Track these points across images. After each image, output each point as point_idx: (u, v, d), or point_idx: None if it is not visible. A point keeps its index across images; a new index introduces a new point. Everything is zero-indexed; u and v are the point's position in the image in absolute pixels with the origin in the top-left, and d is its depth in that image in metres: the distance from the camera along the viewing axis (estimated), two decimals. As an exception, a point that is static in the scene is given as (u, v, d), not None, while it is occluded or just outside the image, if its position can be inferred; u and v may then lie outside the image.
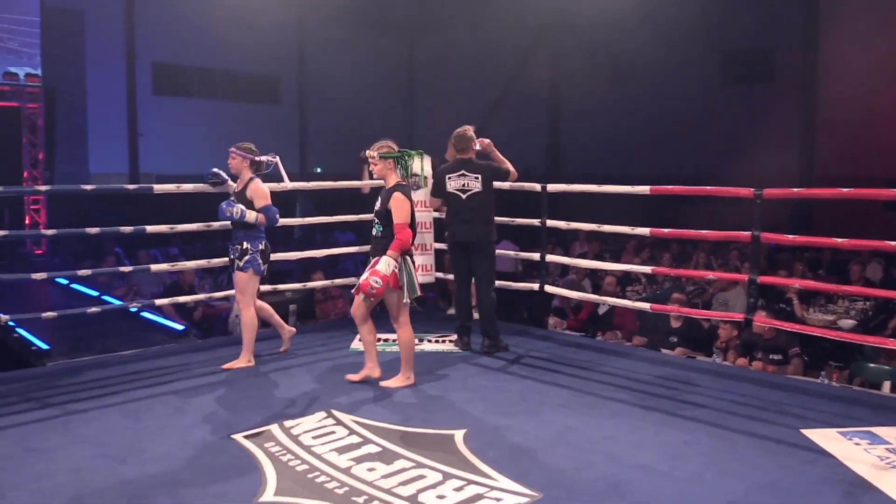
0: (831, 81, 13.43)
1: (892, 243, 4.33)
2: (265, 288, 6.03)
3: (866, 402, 4.47)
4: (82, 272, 5.51)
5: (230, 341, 6.03)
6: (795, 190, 5.03)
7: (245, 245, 4.93)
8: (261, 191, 5.02)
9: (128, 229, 5.21)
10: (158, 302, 6.14)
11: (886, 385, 5.41)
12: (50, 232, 5.59)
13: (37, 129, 13.79)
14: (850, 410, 4.19)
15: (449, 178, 5.57)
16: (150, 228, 5.33)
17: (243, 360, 4.97)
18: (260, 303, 5.17)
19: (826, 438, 3.73)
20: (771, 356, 5.81)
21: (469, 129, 5.63)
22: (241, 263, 4.94)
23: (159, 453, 3.50)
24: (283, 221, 6.22)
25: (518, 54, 17.33)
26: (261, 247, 4.98)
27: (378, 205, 4.56)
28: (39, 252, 13.82)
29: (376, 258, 4.44)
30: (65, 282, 9.48)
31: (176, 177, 14.35)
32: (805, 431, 3.83)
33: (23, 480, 3.21)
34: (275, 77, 19.43)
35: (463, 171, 5.54)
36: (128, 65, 16.31)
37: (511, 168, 5.59)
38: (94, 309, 5.41)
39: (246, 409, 4.15)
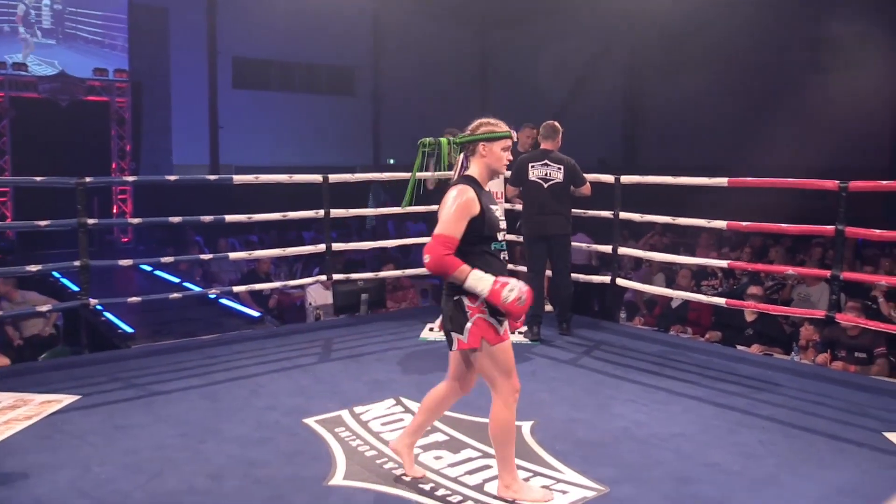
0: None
1: None
2: (338, 277, 6.16)
3: (957, 406, 4.25)
4: (165, 259, 5.73)
5: (305, 328, 6.19)
6: (884, 183, 4.80)
7: None
8: None
9: (208, 218, 5.39)
10: (236, 289, 6.35)
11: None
12: (135, 221, 5.83)
13: (124, 122, 14.38)
14: (938, 414, 3.99)
15: (532, 166, 5.53)
16: (228, 218, 5.49)
17: None
18: None
19: (911, 442, 3.57)
20: (854, 355, 5.57)
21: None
22: None
23: (236, 434, 3.63)
24: (356, 212, 6.34)
25: (593, 45, 17.07)
26: None
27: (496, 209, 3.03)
28: (126, 240, 14.44)
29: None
30: (149, 268, 9.91)
31: (254, 167, 14.81)
32: (888, 435, 3.67)
33: (109, 455, 3.37)
34: (350, 69, 19.72)
35: (546, 161, 5.51)
36: (209, 59, 16.86)
37: (589, 184, 5.58)
38: (175, 295, 5.62)
39: (318, 394, 4.25)
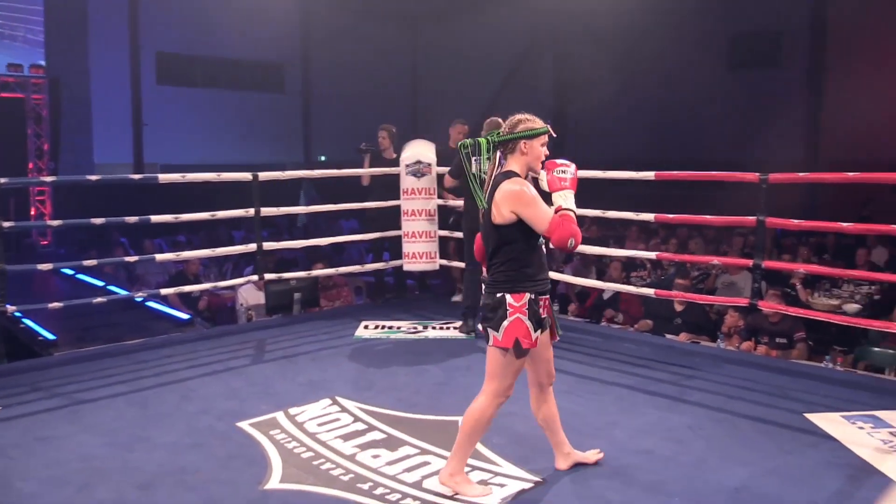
0: (838, 65, 13.34)
1: (897, 227, 4.32)
2: (270, 276, 6.07)
3: (870, 386, 4.47)
4: (88, 262, 5.53)
5: (236, 329, 6.07)
6: (801, 175, 5.00)
7: None
8: None
9: (133, 219, 5.23)
10: (164, 291, 6.17)
11: (890, 369, 5.41)
12: (55, 223, 5.63)
13: (41, 119, 13.83)
14: (853, 394, 4.19)
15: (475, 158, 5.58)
16: (154, 218, 5.34)
17: None
18: None
19: (830, 422, 3.73)
20: (776, 340, 5.80)
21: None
22: None
23: (166, 441, 3.53)
24: (287, 210, 6.26)
25: (522, 42, 17.25)
26: None
27: None
28: (45, 243, 13.90)
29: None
30: (70, 272, 9.53)
31: (181, 166, 14.41)
32: (809, 416, 3.84)
33: (32, 469, 3.24)
34: (278, 65, 19.38)
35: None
36: (132, 55, 16.30)
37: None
38: (99, 299, 5.45)
39: (251, 396, 4.18)
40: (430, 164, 6.28)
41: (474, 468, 3.18)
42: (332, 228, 13.53)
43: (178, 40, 16.82)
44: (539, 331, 2.90)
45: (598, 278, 7.66)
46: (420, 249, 6.33)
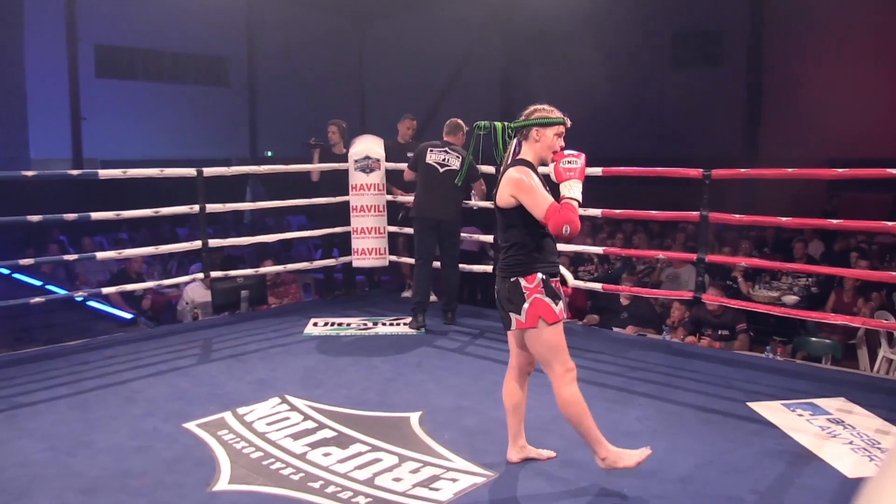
0: (776, 65, 13.74)
1: (833, 221, 4.47)
2: (216, 274, 5.96)
3: (808, 374, 4.62)
4: (24, 261, 5.34)
5: (182, 329, 5.95)
6: (743, 171, 5.14)
7: None
8: None
9: (71, 216, 5.07)
10: (105, 290, 6.01)
11: (827, 358, 5.61)
12: (-12, 220, 5.39)
13: (-28, 113, 13.27)
14: (793, 383, 4.33)
15: (431, 150, 5.59)
16: (94, 215, 5.19)
17: None
18: None
19: (771, 411, 3.85)
20: (719, 332, 5.96)
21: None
22: None
23: (110, 444, 3.44)
24: (233, 206, 6.15)
25: (470, 37, 17.29)
26: None
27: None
28: (-22, 241, 13.37)
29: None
30: (6, 271, 9.20)
31: (121, 162, 14.03)
32: (751, 404, 3.95)
33: (-34, 476, 3.12)
34: (222, 59, 19.04)
35: (447, 149, 5.59)
36: (69, 47, 15.80)
37: (483, 187, 5.70)
38: (37, 299, 5.26)
39: (198, 397, 4.10)
40: (378, 160, 6.25)
41: (426, 464, 3.18)
42: (279, 225, 13.37)
43: (118, 32, 16.39)
44: (560, 303, 2.97)
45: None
46: (369, 245, 6.30)
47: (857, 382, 4.44)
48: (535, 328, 2.94)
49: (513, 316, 2.98)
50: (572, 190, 2.90)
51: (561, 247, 6.92)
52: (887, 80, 12.06)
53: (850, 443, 3.42)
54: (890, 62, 12.10)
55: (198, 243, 5.75)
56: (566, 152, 2.99)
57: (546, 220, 2.85)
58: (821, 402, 3.99)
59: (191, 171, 5.53)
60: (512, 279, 2.96)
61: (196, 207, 5.60)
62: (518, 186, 2.89)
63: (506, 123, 3.10)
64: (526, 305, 2.93)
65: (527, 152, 3.03)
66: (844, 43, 12.61)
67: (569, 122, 3.07)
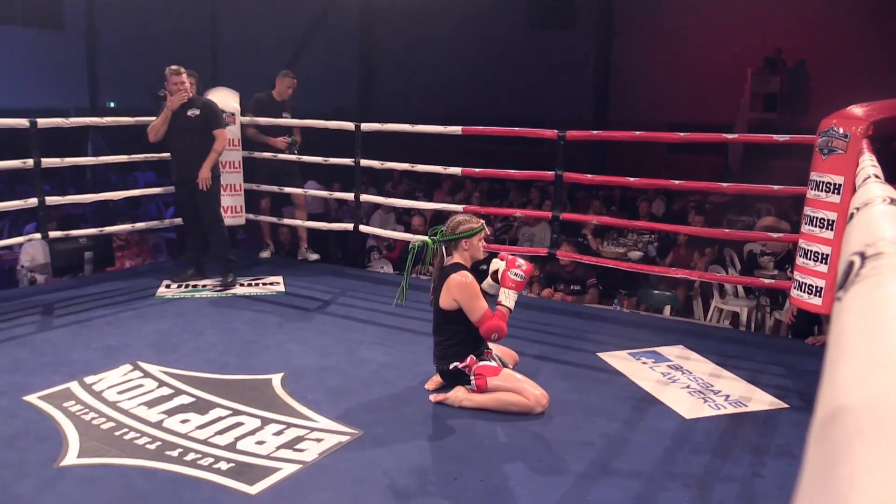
0: (625, 30, 14.37)
1: (675, 182, 4.78)
2: (56, 234, 5.54)
3: (651, 325, 4.97)
4: None
5: (18, 294, 5.51)
6: (595, 133, 5.37)
7: None
8: None
9: None
10: (-76, 253, 5.44)
11: (667, 309, 6.04)
12: None
13: None
14: (637, 333, 4.63)
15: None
16: None
17: None
18: None
19: (618, 360, 4.11)
20: (571, 287, 6.25)
21: None
22: None
23: (-63, 421, 3.15)
24: (72, 160, 5.71)
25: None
26: None
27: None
28: None
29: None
30: None
31: (-62, 110, 12.61)
32: (601, 354, 4.20)
33: None
34: (55, -1, 17.43)
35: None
36: None
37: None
38: None
39: (39, 367, 3.82)
40: (233, 115, 6.00)
41: (290, 425, 3.15)
42: (125, 182, 12.59)
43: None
44: (495, 358, 3.47)
45: (406, 231, 7.78)
46: (226, 203, 6.07)
47: (693, 331, 4.83)
48: (487, 389, 3.35)
49: (467, 387, 3.40)
50: (509, 299, 3.36)
51: (422, 204, 7.01)
52: (724, 52, 12.94)
53: (688, 387, 3.72)
54: (728, 36, 12.96)
55: (33, 201, 5.29)
56: (517, 262, 3.42)
57: (479, 325, 3.29)
58: (662, 350, 4.30)
59: (23, 122, 5.07)
60: (451, 366, 3.41)
61: (30, 162, 5.14)
62: (463, 290, 3.29)
63: (434, 238, 3.49)
64: (472, 378, 3.37)
65: (458, 258, 3.43)
66: (689, 14, 13.36)
67: (488, 231, 3.55)
